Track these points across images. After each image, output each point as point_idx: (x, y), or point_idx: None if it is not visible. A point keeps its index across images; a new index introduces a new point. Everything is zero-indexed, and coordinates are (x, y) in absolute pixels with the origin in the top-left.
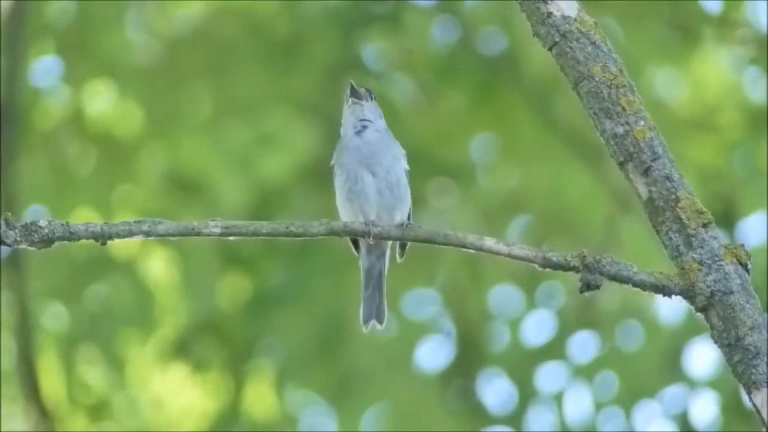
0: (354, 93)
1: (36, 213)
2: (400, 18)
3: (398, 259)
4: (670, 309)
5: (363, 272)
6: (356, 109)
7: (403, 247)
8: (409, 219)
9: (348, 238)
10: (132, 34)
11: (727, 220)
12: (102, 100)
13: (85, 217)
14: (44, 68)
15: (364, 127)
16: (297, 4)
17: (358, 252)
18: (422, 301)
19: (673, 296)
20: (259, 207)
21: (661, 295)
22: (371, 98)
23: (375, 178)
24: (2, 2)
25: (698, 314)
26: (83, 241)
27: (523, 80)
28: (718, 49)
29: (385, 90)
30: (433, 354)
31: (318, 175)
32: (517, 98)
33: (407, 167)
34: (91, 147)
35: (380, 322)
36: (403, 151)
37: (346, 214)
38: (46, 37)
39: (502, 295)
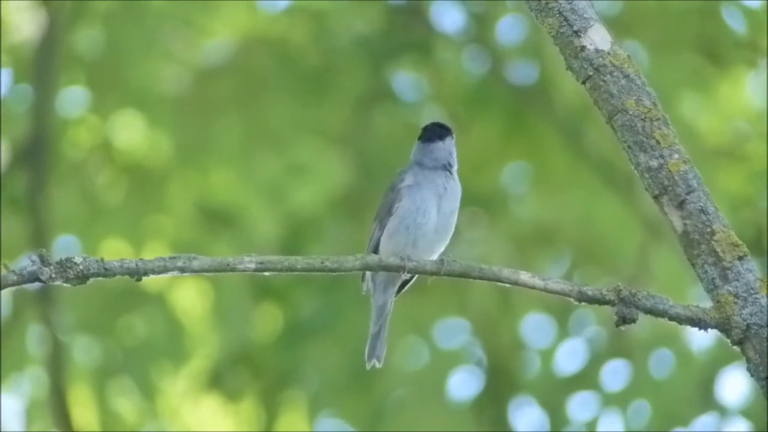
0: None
1: (66, 243)
2: (430, 48)
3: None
4: (702, 337)
5: (375, 309)
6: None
7: (401, 287)
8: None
9: (361, 274)
10: (161, 65)
11: (758, 247)
12: (131, 131)
13: (114, 247)
14: (73, 98)
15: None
16: (327, 35)
17: (368, 288)
18: (454, 330)
19: (709, 330)
20: (290, 238)
21: (696, 329)
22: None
23: (439, 215)
24: (32, 33)
25: (734, 347)
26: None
27: (554, 109)
28: (746, 74)
29: (416, 120)
30: (465, 383)
31: (349, 206)
32: (547, 127)
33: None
34: (121, 177)
35: (380, 361)
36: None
37: (394, 242)
38: (76, 68)
39: (534, 324)
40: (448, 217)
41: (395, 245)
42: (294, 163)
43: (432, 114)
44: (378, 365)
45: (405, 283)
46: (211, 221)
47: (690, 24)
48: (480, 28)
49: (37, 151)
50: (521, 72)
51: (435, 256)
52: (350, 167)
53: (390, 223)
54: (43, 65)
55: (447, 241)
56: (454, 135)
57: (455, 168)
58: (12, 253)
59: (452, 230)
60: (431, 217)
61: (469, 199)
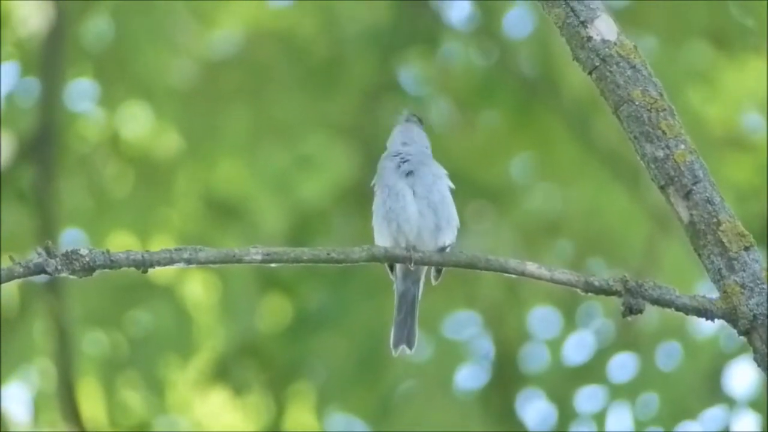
0: (409, 118)
1: (73, 236)
2: (437, 40)
3: (433, 282)
4: (710, 328)
5: (397, 296)
6: (406, 128)
7: (439, 270)
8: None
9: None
10: (169, 57)
11: (766, 239)
12: (139, 123)
13: (122, 240)
14: (80, 91)
15: (405, 144)
16: (335, 27)
17: (393, 276)
18: (461, 323)
19: (716, 320)
20: (298, 230)
21: (703, 319)
22: (420, 125)
23: (416, 197)
24: (39, 26)
25: (741, 337)
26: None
27: (561, 101)
28: (754, 64)
29: (423, 112)
30: (473, 375)
31: (357, 198)
32: (555, 119)
33: (452, 185)
34: (128, 169)
35: (410, 347)
36: (444, 171)
37: (382, 236)
38: (83, 60)
39: (542, 317)
40: (427, 194)
41: (382, 239)
42: (301, 155)
43: (438, 105)
44: (409, 352)
45: (440, 270)
46: (219, 214)
47: (698, 13)
48: (487, 20)
49: (45, 144)
50: (529, 63)
51: (442, 242)
52: (357, 159)
53: (373, 219)
54: (50, 58)
55: (450, 222)
56: (410, 120)
57: (420, 146)
58: (20, 246)
59: (448, 207)
60: (407, 199)
61: (476, 191)
